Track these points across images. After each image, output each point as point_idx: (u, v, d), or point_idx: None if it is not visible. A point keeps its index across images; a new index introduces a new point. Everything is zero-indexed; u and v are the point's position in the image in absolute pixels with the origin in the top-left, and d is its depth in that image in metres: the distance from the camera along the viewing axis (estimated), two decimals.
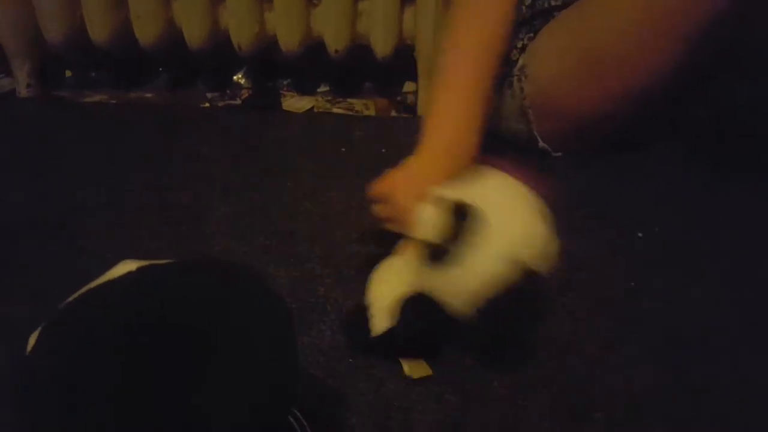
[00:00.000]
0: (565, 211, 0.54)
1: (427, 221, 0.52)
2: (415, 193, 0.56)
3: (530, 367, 0.56)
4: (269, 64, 0.99)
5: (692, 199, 0.77)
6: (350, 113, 1.00)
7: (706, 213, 0.75)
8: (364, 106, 1.02)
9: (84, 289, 0.35)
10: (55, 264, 0.66)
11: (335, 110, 1.00)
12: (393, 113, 1.02)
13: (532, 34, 0.80)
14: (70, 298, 0.35)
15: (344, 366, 0.56)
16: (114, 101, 0.97)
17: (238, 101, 1.00)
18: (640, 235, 0.71)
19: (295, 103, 1.01)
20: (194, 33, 0.91)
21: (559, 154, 0.82)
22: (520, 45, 0.80)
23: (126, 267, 0.35)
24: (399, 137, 0.92)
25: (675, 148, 0.84)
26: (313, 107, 1.00)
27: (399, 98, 1.04)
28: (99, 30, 0.89)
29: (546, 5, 0.81)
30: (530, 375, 0.55)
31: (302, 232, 0.73)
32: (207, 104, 0.98)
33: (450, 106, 0.66)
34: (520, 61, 0.80)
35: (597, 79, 0.74)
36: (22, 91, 0.94)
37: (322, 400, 0.52)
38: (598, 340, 0.59)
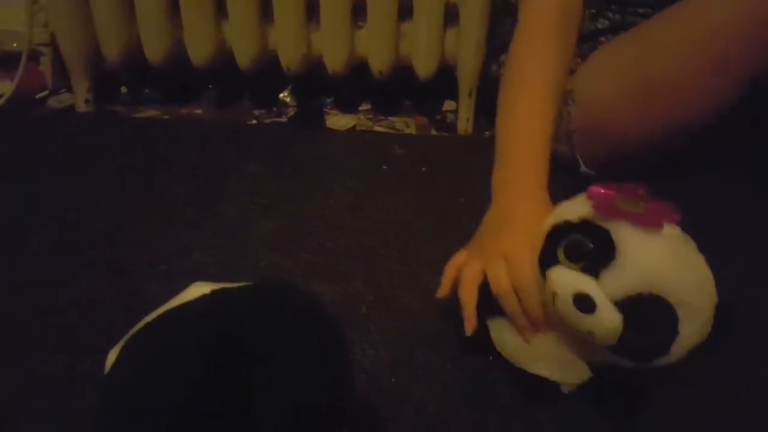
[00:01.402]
0: None
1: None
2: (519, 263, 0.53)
3: None
4: (314, 82, 1.02)
5: (737, 228, 0.76)
6: (391, 131, 1.02)
7: (747, 242, 0.74)
8: (405, 124, 1.04)
9: (161, 310, 0.37)
10: (106, 274, 0.69)
11: (377, 128, 1.02)
12: (433, 131, 1.03)
13: (579, 59, 0.80)
14: (148, 318, 0.38)
15: (387, 385, 0.57)
16: (165, 117, 1.01)
17: (284, 119, 1.03)
18: None
19: (338, 120, 1.03)
20: (244, 53, 0.94)
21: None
22: None
23: (199, 290, 0.37)
24: (439, 156, 0.93)
25: (727, 181, 0.83)
26: (355, 125, 1.02)
27: (439, 117, 1.06)
28: (154, 49, 0.93)
29: (592, 28, 0.82)
30: None
31: (344, 249, 0.75)
32: (254, 121, 1.02)
33: (522, 157, 0.64)
34: (568, 85, 0.80)
35: (647, 109, 0.74)
36: (81, 106, 0.99)
37: (364, 419, 0.54)
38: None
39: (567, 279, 0.49)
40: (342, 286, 0.69)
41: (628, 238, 0.47)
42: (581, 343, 0.52)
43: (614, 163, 0.80)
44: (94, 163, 0.87)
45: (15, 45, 0.98)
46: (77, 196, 0.81)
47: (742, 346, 0.59)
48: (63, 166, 0.87)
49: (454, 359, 0.60)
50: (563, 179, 0.71)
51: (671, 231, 0.48)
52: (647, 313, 0.46)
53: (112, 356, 0.36)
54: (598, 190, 0.50)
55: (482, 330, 0.58)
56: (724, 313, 0.49)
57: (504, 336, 0.56)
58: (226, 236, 0.75)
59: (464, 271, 0.57)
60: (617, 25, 0.81)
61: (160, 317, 0.36)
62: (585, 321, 0.48)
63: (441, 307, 0.65)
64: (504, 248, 0.56)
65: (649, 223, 0.47)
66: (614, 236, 0.47)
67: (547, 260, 0.51)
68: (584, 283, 0.47)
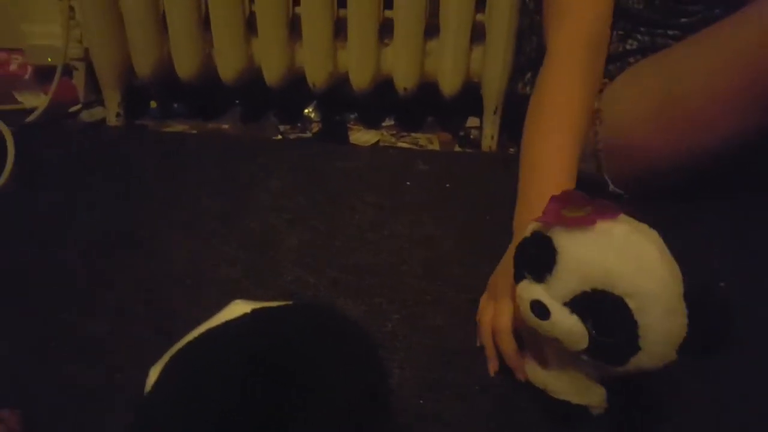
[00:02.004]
0: None
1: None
2: None
3: None
4: (338, 98, 1.03)
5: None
6: (415, 147, 1.02)
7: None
8: (428, 140, 1.04)
9: (202, 329, 0.38)
10: (136, 286, 0.71)
11: (400, 144, 1.02)
12: (456, 148, 1.03)
13: (607, 79, 0.80)
14: (190, 337, 0.38)
15: (414, 406, 0.57)
16: (193, 131, 1.03)
17: (309, 134, 1.04)
18: (722, 284, 0.69)
19: (361, 136, 1.04)
20: (272, 70, 0.95)
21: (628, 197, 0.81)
22: None
23: (240, 308, 0.38)
24: (462, 172, 0.93)
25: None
26: (378, 141, 1.03)
27: (462, 133, 1.06)
28: (184, 65, 0.95)
29: (620, 49, 0.82)
30: None
31: (368, 265, 0.75)
32: (279, 136, 1.03)
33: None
34: (595, 104, 0.80)
35: (672, 130, 0.74)
36: (112, 120, 1.01)
37: None
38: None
39: (522, 290, 0.51)
40: (367, 304, 0.69)
41: (565, 240, 0.49)
42: (585, 363, 0.52)
43: (641, 183, 0.79)
44: (123, 177, 0.89)
45: (50, 59, 1.01)
46: (107, 208, 0.83)
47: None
48: (93, 178, 0.89)
49: (482, 380, 0.60)
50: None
51: (613, 227, 0.48)
52: (600, 309, 0.47)
53: (153, 375, 0.36)
54: (551, 200, 0.52)
55: None
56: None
57: (532, 364, 0.57)
58: (252, 250, 0.76)
59: (481, 317, 0.62)
60: (646, 47, 0.81)
61: (201, 337, 0.37)
62: (546, 327, 0.50)
63: (467, 327, 0.65)
64: (507, 289, 0.59)
65: (583, 222, 0.48)
66: (555, 242, 0.49)
67: (516, 277, 0.54)
68: (534, 291, 0.50)
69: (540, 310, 0.49)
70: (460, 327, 0.66)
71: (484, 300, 0.65)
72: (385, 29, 0.94)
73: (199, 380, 0.34)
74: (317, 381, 0.34)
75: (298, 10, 0.93)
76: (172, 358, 0.36)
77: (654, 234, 0.50)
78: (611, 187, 0.81)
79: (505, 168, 0.94)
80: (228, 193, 0.86)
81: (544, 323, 0.49)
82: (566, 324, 0.48)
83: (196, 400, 0.33)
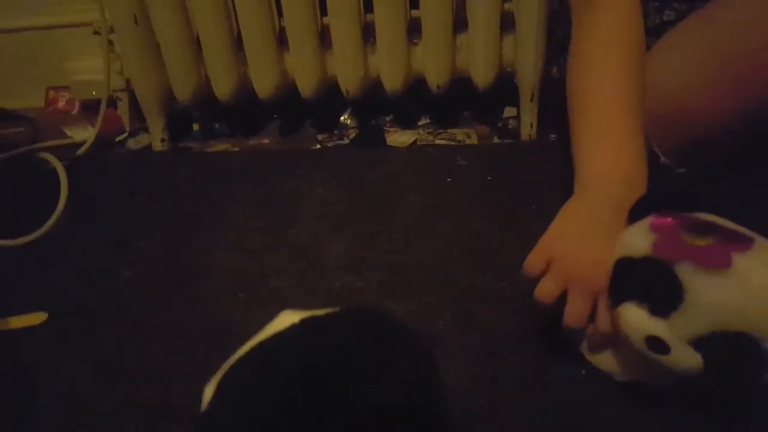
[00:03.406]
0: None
1: None
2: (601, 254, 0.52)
3: None
4: (372, 102, 1.04)
5: None
6: (453, 143, 1.01)
7: None
8: (466, 135, 1.03)
9: (253, 342, 0.38)
10: (191, 303, 0.73)
11: (438, 141, 1.02)
12: (495, 139, 1.02)
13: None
14: (241, 352, 0.39)
15: (472, 405, 0.56)
16: (235, 149, 1.05)
17: (347, 140, 1.05)
18: None
19: (398, 137, 1.04)
20: (306, 83, 0.97)
21: (683, 169, 0.78)
22: None
23: (288, 318, 0.38)
24: (503, 163, 0.92)
25: None
26: (416, 140, 1.02)
27: (500, 124, 1.04)
28: (222, 87, 0.97)
29: (657, 21, 0.79)
30: None
31: (415, 265, 0.75)
32: (318, 146, 1.04)
33: (610, 131, 0.60)
34: None
35: (723, 85, 0.69)
36: (157, 145, 1.05)
37: None
38: None
39: (637, 322, 0.47)
40: (416, 303, 0.69)
41: (694, 278, 0.45)
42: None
43: (694, 152, 0.76)
44: (172, 200, 0.92)
45: (94, 93, 1.05)
46: (160, 231, 0.85)
47: None
48: (144, 204, 0.92)
49: (539, 374, 0.59)
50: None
51: (750, 267, 0.44)
52: (727, 348, 0.44)
53: (208, 392, 0.37)
54: (661, 222, 0.47)
55: (567, 340, 0.56)
56: None
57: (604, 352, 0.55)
58: (299, 260, 0.77)
59: (540, 290, 0.55)
60: (685, 16, 0.77)
61: (252, 351, 0.37)
62: (661, 360, 0.46)
63: (519, 319, 0.64)
64: (590, 256, 0.54)
65: (716, 263, 0.44)
66: (681, 276, 0.45)
67: (616, 295, 0.50)
68: (654, 327, 0.46)
69: (658, 346, 0.46)
70: (512, 320, 0.64)
71: (535, 258, 0.58)
72: (414, 29, 0.94)
73: (252, 397, 0.34)
74: (369, 390, 0.34)
75: (326, 20, 0.94)
76: (225, 375, 0.37)
77: None
78: (663, 159, 0.78)
79: (546, 155, 0.92)
80: (272, 206, 0.88)
81: (661, 357, 0.46)
82: (687, 363, 0.46)
83: (250, 418, 0.33)
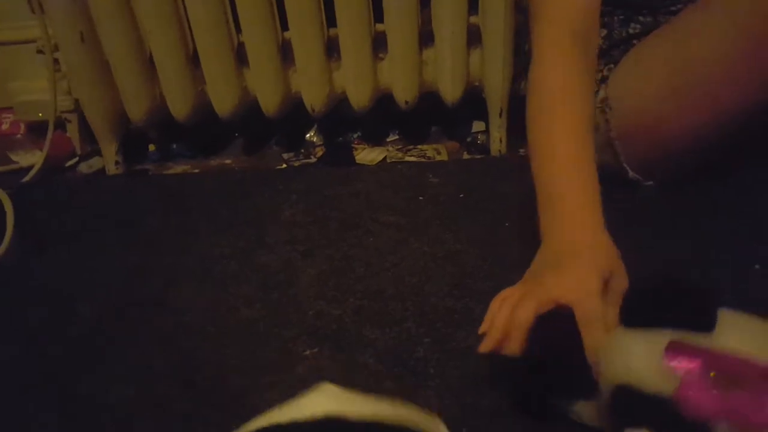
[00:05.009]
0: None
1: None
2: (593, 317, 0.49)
3: None
4: (339, 118, 1.01)
5: None
6: (423, 160, 1.00)
7: None
8: (436, 151, 1.01)
9: (273, 417, 0.33)
10: (159, 341, 0.68)
11: (407, 158, 1.00)
12: (465, 155, 1.01)
13: (612, 65, 0.78)
14: (255, 425, 0.34)
15: None
16: (196, 170, 1.01)
17: (313, 159, 1.02)
18: (757, 267, 0.66)
19: (367, 155, 1.01)
20: (268, 100, 0.93)
21: (650, 183, 0.79)
22: (599, 77, 0.78)
23: (322, 401, 0.33)
24: (475, 180, 0.91)
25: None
26: (385, 157, 1.00)
27: (469, 139, 1.03)
28: (178, 106, 0.93)
29: (624, 34, 0.79)
30: None
31: (391, 289, 0.72)
32: (284, 165, 1.01)
33: (572, 189, 0.60)
34: (602, 93, 0.77)
35: (687, 105, 0.71)
36: (111, 169, 0.99)
37: None
38: None
39: None
40: (395, 330, 0.66)
41: None
42: None
43: (663, 167, 0.77)
44: (129, 227, 0.87)
45: (41, 114, 0.99)
46: (117, 262, 0.80)
47: None
48: (99, 233, 0.87)
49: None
50: (611, 189, 0.67)
51: None
52: None
53: None
54: (685, 365, 0.39)
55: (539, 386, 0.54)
56: None
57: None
58: (270, 288, 0.74)
59: (516, 313, 0.51)
60: (650, 29, 0.78)
61: None
62: None
63: (518, 373, 0.61)
64: (569, 283, 0.52)
65: (759, 421, 0.37)
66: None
67: (617, 424, 0.43)
68: None
69: None
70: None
71: (511, 294, 0.55)
72: (379, 43, 0.92)
73: None
74: None
75: (287, 34, 0.91)
76: None
77: None
78: (630, 173, 0.78)
79: (517, 171, 0.91)
80: (238, 230, 0.84)
81: None
82: None
83: None
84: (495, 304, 0.54)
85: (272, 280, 0.75)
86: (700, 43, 0.70)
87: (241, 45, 0.92)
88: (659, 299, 0.44)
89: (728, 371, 0.39)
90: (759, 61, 0.66)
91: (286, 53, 0.92)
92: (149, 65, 0.92)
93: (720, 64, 0.68)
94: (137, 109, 0.93)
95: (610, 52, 0.80)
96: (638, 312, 0.45)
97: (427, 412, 0.38)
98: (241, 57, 0.92)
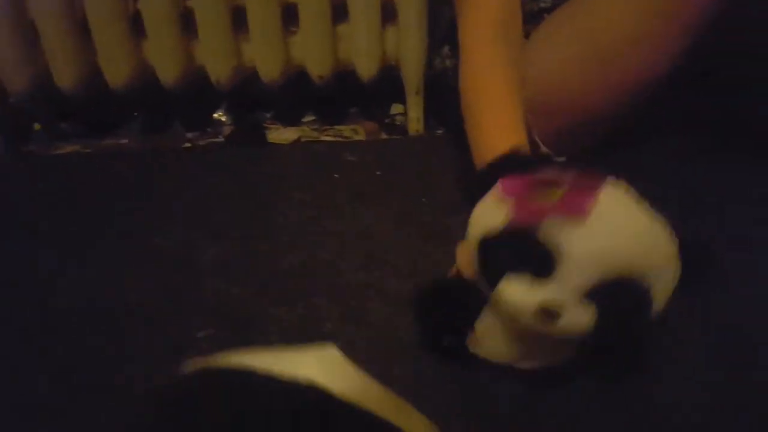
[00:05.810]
0: None
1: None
2: None
3: None
4: (250, 97, 0.95)
5: (693, 192, 0.74)
6: (340, 139, 0.95)
7: (705, 206, 0.72)
8: (353, 132, 0.97)
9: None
10: (47, 332, 0.60)
11: (323, 138, 0.95)
12: (383, 136, 0.97)
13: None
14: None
15: None
16: (88, 150, 0.92)
17: (221, 138, 0.95)
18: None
19: (279, 135, 0.96)
20: (168, 71, 0.86)
21: (563, 158, 0.78)
22: None
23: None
24: (393, 159, 0.87)
25: (674, 142, 0.82)
26: (299, 137, 0.95)
27: (387, 120, 1.00)
28: (65, 75, 0.84)
29: (535, 8, 0.79)
30: None
31: (301, 266, 0.67)
32: (188, 144, 0.93)
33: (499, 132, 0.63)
34: None
35: (598, 74, 0.72)
36: None
37: None
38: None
39: (523, 295, 0.44)
40: (301, 306, 0.62)
41: (561, 233, 0.43)
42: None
43: (574, 140, 0.76)
44: (11, 213, 0.77)
45: None
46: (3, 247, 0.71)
47: None
48: None
49: (436, 370, 0.55)
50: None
51: (608, 208, 0.44)
52: (616, 297, 0.43)
53: None
54: (511, 186, 0.46)
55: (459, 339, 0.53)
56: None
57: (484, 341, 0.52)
58: (168, 269, 0.67)
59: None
60: (560, 2, 0.78)
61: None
62: (554, 328, 0.44)
63: (414, 316, 0.59)
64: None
65: (574, 212, 0.43)
66: (548, 236, 0.43)
67: (490, 276, 0.46)
68: (542, 293, 0.44)
69: (549, 314, 0.43)
70: (407, 317, 0.59)
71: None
72: (290, 16, 0.87)
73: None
74: None
75: (189, 3, 0.85)
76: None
77: (638, 197, 0.46)
78: (542, 147, 0.77)
79: (435, 149, 0.90)
80: (139, 212, 0.76)
81: (554, 325, 0.44)
82: (579, 322, 0.44)
83: None
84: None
85: (170, 261, 0.68)
86: (609, 17, 0.70)
87: (137, 13, 0.84)
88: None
89: (548, 182, 0.44)
90: (667, 36, 0.68)
91: (188, 23, 0.85)
92: (31, 30, 0.82)
93: (628, 38, 0.69)
94: (16, 81, 0.83)
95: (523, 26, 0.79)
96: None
97: (425, 420, 0.41)
98: (137, 26, 0.85)
